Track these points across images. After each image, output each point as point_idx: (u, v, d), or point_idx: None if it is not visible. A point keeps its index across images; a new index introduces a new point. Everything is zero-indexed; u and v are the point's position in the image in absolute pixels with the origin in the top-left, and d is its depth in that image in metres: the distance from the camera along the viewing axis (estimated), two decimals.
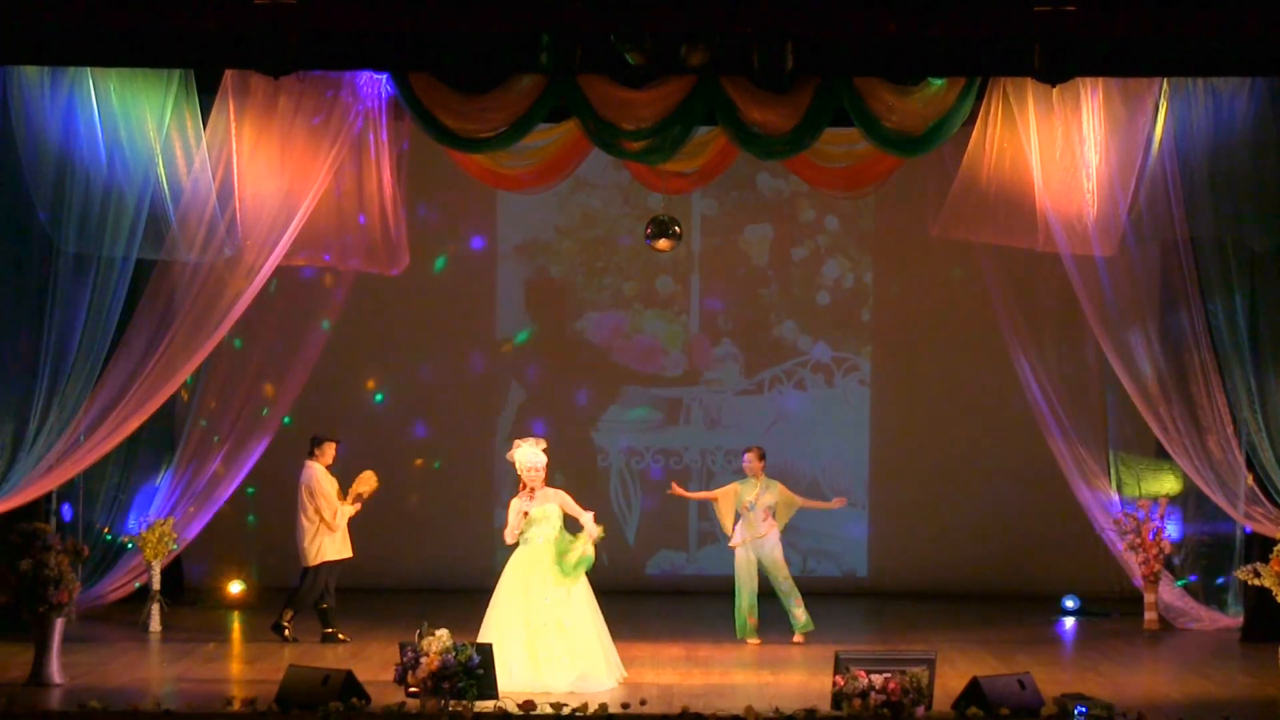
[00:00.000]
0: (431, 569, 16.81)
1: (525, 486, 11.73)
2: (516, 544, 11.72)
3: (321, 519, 13.53)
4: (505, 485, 16.97)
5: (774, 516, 13.60)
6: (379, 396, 17.07)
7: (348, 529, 13.70)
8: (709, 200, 16.87)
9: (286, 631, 13.42)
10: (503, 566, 16.24)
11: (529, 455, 11.74)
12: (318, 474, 13.58)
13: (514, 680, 11.14)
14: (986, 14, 11.96)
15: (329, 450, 13.71)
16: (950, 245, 14.74)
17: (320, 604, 13.60)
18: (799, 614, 13.43)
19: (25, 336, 13.03)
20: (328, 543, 13.57)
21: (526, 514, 11.65)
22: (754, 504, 13.56)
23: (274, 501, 16.84)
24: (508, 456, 11.94)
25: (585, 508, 11.78)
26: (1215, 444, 13.46)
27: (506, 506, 16.52)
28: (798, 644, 13.29)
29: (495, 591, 11.69)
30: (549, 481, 11.86)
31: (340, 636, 13.47)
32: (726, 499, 13.70)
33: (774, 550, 13.56)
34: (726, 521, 13.72)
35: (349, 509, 13.63)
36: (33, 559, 11.49)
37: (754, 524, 13.55)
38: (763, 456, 13.75)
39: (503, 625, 11.46)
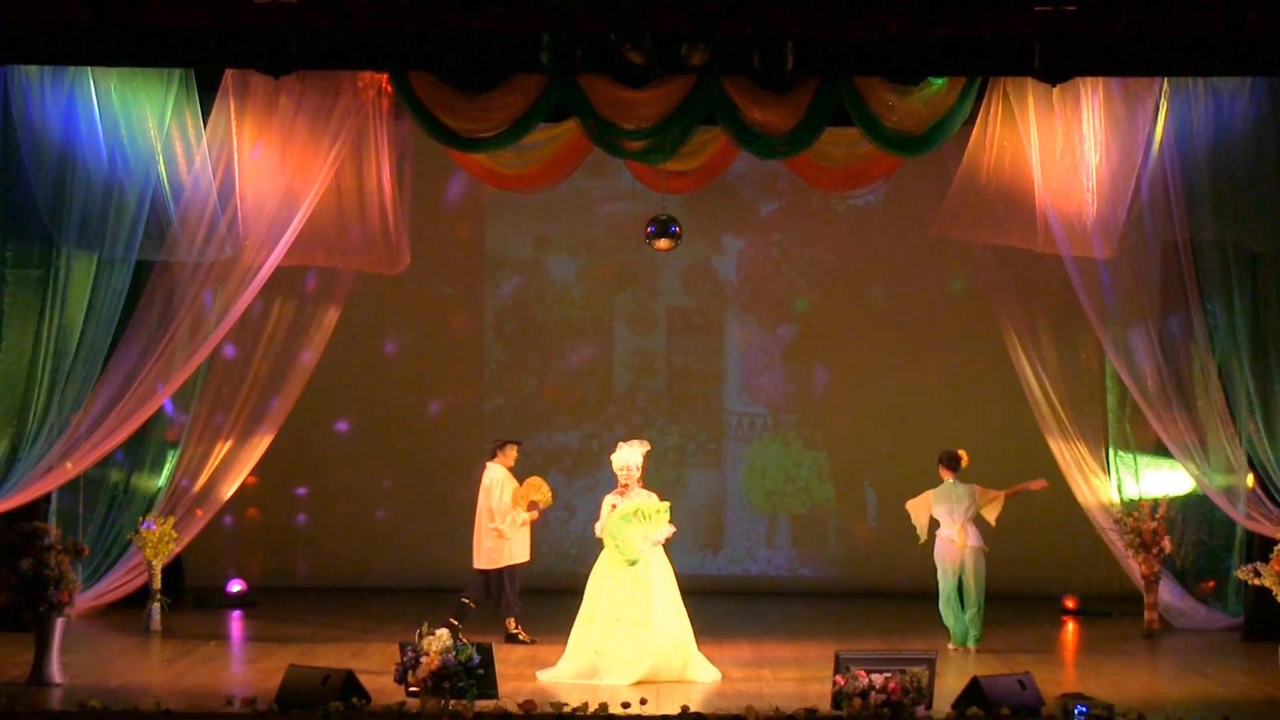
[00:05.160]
0: (431, 569, 16.80)
1: (621, 485, 11.95)
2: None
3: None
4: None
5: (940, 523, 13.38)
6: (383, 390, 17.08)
7: (529, 531, 13.52)
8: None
9: (521, 636, 13.22)
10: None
11: (622, 455, 11.98)
12: (498, 477, 13.41)
13: (573, 675, 11.50)
14: (986, 14, 11.98)
15: (511, 452, 13.55)
16: (952, 247, 14.73)
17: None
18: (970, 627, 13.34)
19: (25, 336, 13.03)
20: (510, 545, 13.38)
21: (614, 506, 11.85)
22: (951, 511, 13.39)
23: (275, 502, 16.89)
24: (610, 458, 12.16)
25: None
26: (1215, 444, 13.46)
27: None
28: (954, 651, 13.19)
29: (588, 585, 11.94)
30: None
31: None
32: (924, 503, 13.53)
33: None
34: (921, 528, 13.56)
35: (525, 515, 13.39)
36: (33, 559, 11.49)
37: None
38: (939, 463, 13.47)
39: (584, 621, 11.76)
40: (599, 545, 12.06)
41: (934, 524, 13.44)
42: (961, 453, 13.52)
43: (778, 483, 17.06)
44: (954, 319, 16.76)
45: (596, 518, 12.08)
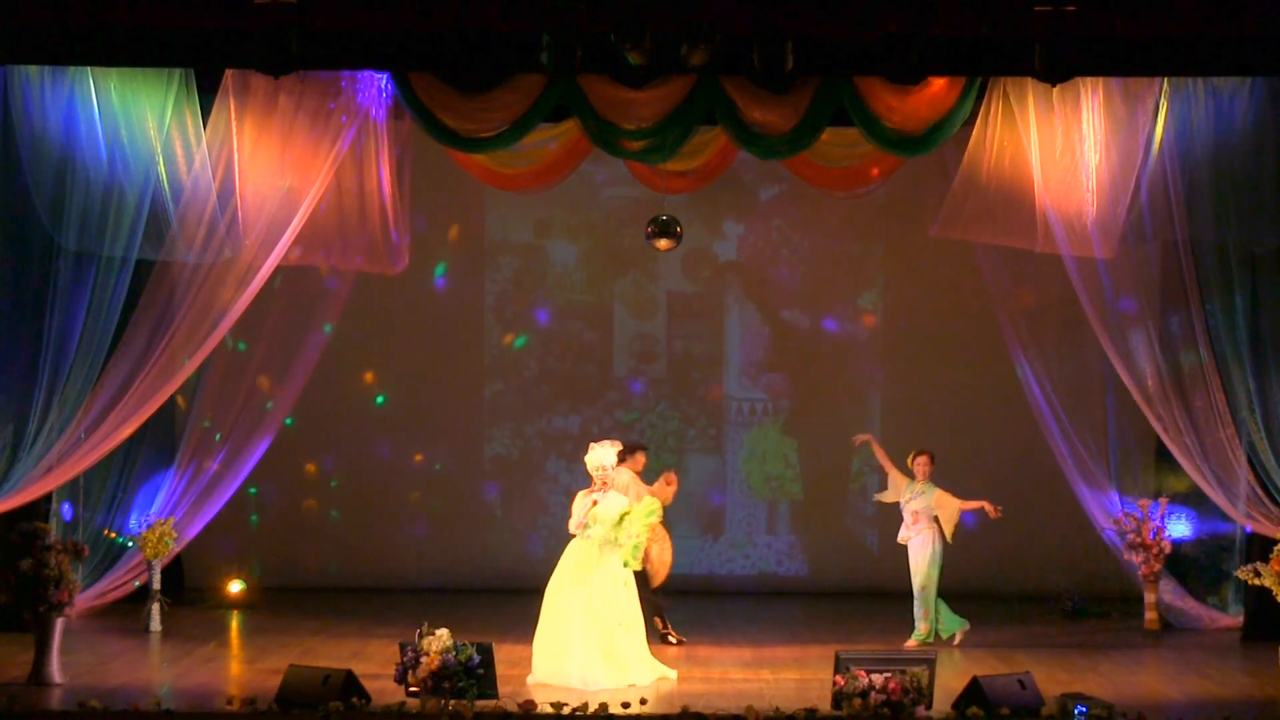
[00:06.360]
0: (432, 569, 16.80)
1: (600, 484, 11.96)
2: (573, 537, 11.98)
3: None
4: (501, 485, 17.00)
5: (926, 521, 13.38)
6: (380, 399, 17.04)
7: (667, 533, 13.44)
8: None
9: (671, 637, 13.20)
10: (504, 565, 16.27)
11: (595, 455, 11.98)
12: (624, 481, 13.20)
13: (587, 681, 11.37)
14: (986, 14, 11.98)
15: (640, 458, 13.49)
16: (953, 247, 14.73)
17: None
18: (920, 625, 13.34)
19: (25, 336, 13.04)
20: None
21: (595, 503, 11.84)
22: (904, 505, 13.50)
23: (274, 501, 16.87)
24: (584, 459, 12.14)
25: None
26: (1215, 444, 13.46)
27: (499, 506, 16.48)
28: (910, 647, 13.17)
29: (550, 584, 11.86)
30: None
31: (671, 638, 13.29)
32: (894, 483, 13.64)
33: (917, 554, 13.40)
34: (883, 497, 13.78)
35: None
36: (33, 559, 11.49)
37: (907, 525, 13.49)
38: (932, 462, 13.57)
39: (563, 619, 11.65)
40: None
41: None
42: None
43: (778, 468, 17.07)
44: (955, 308, 16.72)
45: (576, 502, 12.06)
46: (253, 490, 16.35)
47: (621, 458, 13.42)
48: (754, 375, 17.05)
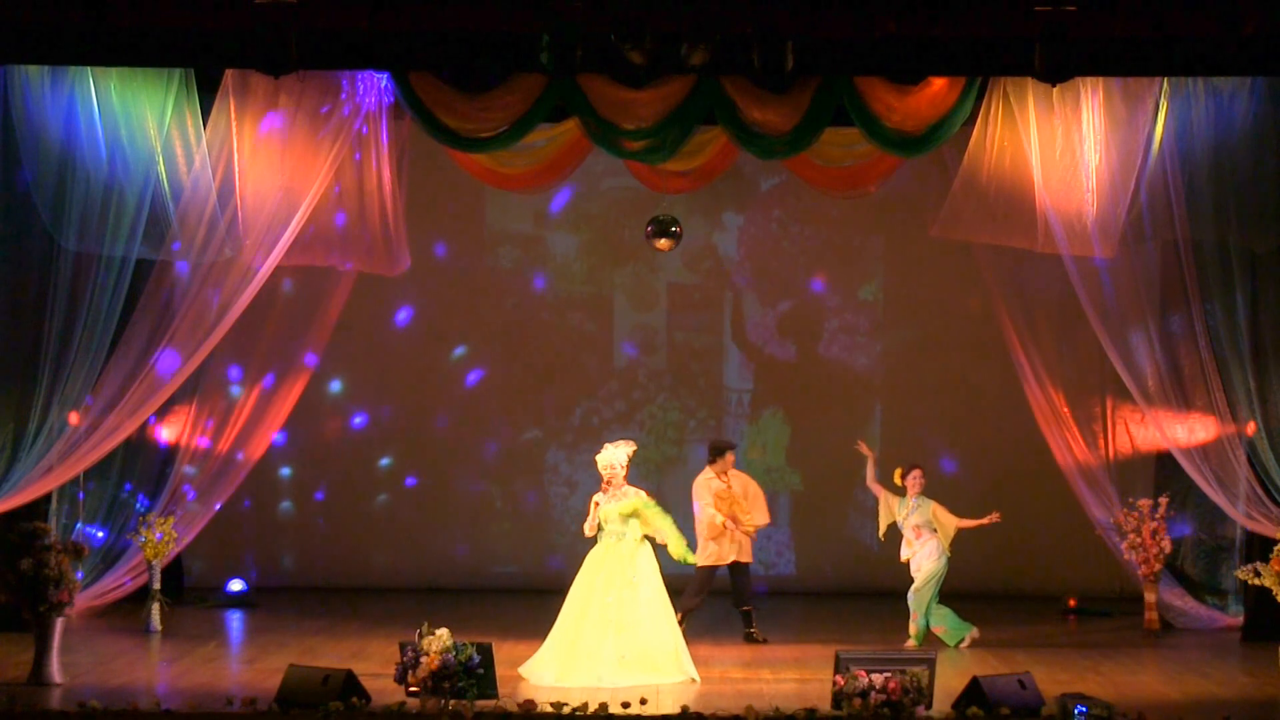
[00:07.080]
0: (431, 569, 16.80)
1: (604, 483, 12.01)
2: (594, 538, 12.05)
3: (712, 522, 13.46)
4: (502, 485, 17.00)
5: (929, 533, 13.33)
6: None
7: (743, 537, 13.56)
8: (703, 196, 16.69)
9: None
10: (504, 560, 16.22)
11: (606, 454, 12.05)
12: (700, 480, 13.53)
13: (555, 676, 11.45)
14: (986, 14, 12.01)
15: (729, 457, 13.64)
16: (953, 243, 14.74)
17: (740, 606, 13.61)
18: (911, 627, 13.34)
19: (25, 336, 13.05)
20: (714, 546, 13.42)
21: (597, 504, 11.94)
22: (902, 523, 13.48)
23: (272, 501, 16.87)
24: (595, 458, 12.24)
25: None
26: (1215, 444, 13.46)
27: (499, 499, 16.37)
28: (909, 647, 13.15)
29: (574, 585, 11.98)
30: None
31: (757, 637, 13.47)
32: (886, 504, 13.59)
33: (920, 564, 13.34)
34: (880, 524, 13.69)
35: (711, 518, 13.43)
36: (33, 558, 11.49)
37: (909, 541, 13.44)
38: (923, 475, 13.56)
39: (565, 620, 11.76)
40: (588, 541, 12.12)
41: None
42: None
43: (778, 459, 17.06)
44: (955, 304, 16.73)
45: (590, 505, 12.12)
46: (253, 489, 16.35)
47: (712, 459, 13.50)
48: (753, 366, 17.05)
